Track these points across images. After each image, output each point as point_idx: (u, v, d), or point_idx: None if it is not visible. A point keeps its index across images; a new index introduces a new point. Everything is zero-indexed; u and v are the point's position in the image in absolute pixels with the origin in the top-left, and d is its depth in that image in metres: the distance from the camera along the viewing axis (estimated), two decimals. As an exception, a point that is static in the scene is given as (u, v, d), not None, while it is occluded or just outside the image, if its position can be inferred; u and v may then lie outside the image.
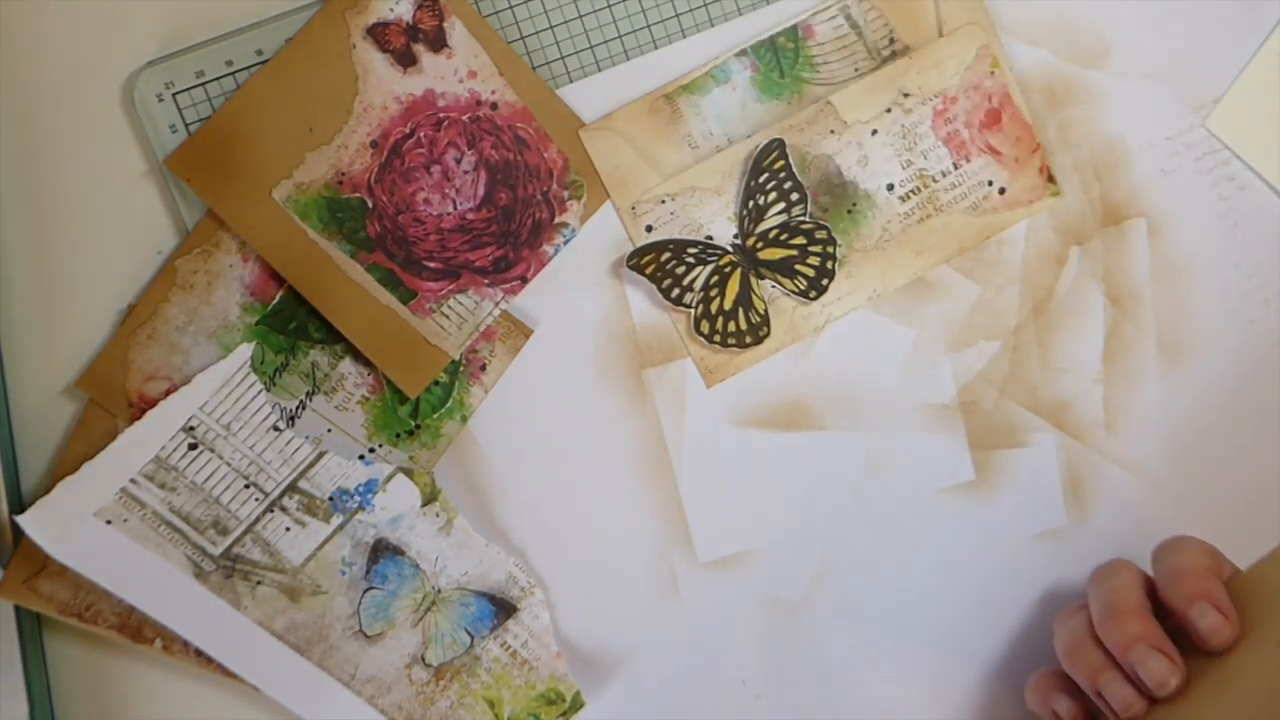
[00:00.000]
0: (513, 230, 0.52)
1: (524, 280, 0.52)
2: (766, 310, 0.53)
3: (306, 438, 0.51)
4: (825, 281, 0.53)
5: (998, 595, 0.55)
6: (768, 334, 0.53)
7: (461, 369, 0.52)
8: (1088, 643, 0.48)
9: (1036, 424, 0.55)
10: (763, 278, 0.53)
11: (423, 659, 0.52)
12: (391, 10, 0.50)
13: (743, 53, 0.53)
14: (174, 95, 0.50)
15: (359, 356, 0.51)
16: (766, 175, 0.52)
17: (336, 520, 0.51)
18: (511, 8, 0.52)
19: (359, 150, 0.50)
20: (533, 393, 0.53)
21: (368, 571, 0.51)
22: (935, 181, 0.53)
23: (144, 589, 0.49)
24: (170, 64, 0.50)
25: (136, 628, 0.50)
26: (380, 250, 0.51)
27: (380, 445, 0.52)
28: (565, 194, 0.52)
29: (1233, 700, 0.44)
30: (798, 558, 0.54)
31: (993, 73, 0.53)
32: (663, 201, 0.52)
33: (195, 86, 0.50)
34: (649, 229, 0.53)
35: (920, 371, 0.54)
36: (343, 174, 0.50)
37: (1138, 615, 0.47)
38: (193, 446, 0.50)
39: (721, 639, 0.54)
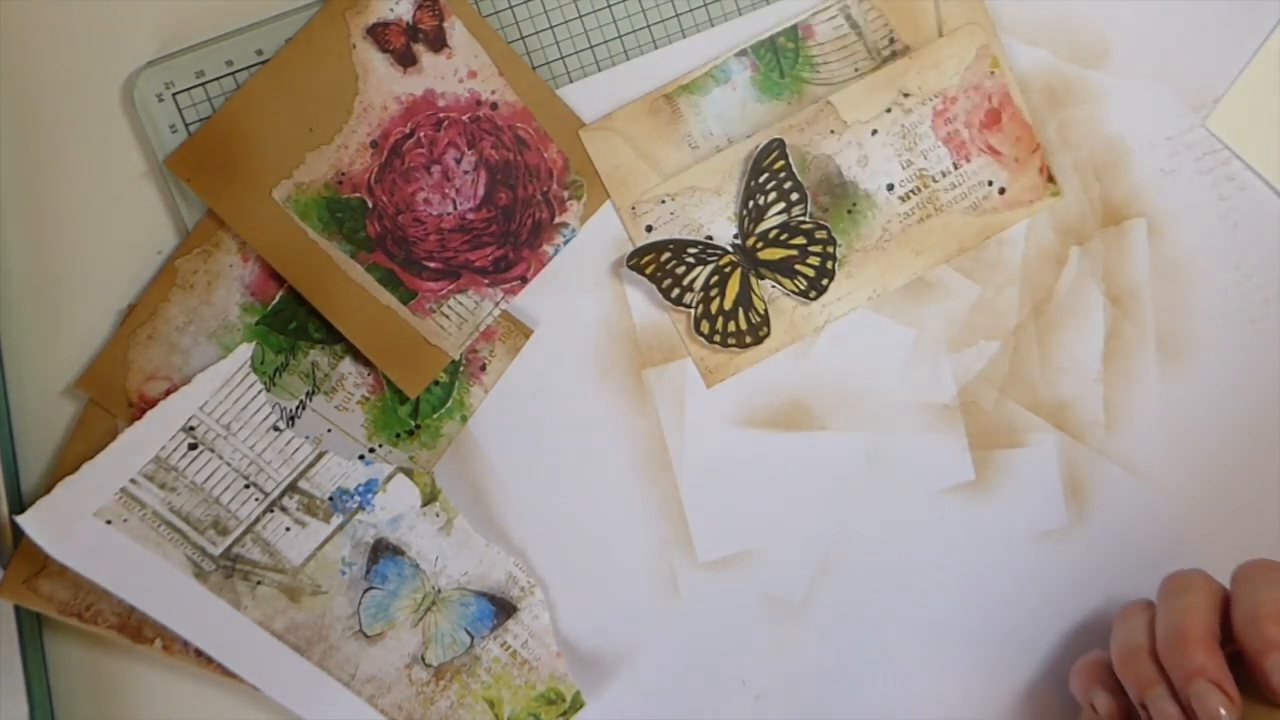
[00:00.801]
0: (513, 230, 0.52)
1: (524, 280, 0.52)
2: (766, 310, 0.53)
3: (306, 438, 0.51)
4: (825, 281, 0.53)
5: (997, 595, 0.55)
6: (768, 334, 0.53)
7: (461, 369, 0.52)
8: (1144, 654, 0.47)
9: (1036, 424, 0.55)
10: (763, 278, 0.53)
11: (423, 659, 0.52)
12: (391, 10, 0.50)
13: (743, 53, 0.53)
14: (174, 95, 0.50)
15: (359, 356, 0.51)
16: (766, 175, 0.52)
17: (336, 520, 0.51)
18: (511, 8, 0.52)
19: (359, 150, 0.51)
20: (533, 393, 0.53)
21: (368, 571, 0.51)
22: (935, 181, 0.53)
23: (144, 589, 0.49)
24: (170, 64, 0.50)
25: (136, 628, 0.50)
26: (380, 250, 0.51)
27: (380, 445, 0.52)
28: (565, 194, 0.52)
29: None
30: (798, 558, 0.54)
31: (993, 73, 0.53)
32: (663, 201, 0.52)
33: (195, 86, 0.50)
34: (649, 229, 0.53)
35: (920, 371, 0.54)
36: (343, 174, 0.50)
37: (1204, 646, 0.46)
38: (193, 446, 0.50)
39: (721, 639, 0.54)
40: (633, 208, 0.52)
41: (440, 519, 0.52)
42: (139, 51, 0.51)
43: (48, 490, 0.49)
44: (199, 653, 0.50)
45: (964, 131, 0.53)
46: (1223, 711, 0.44)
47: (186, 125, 0.50)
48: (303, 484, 0.51)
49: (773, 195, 0.52)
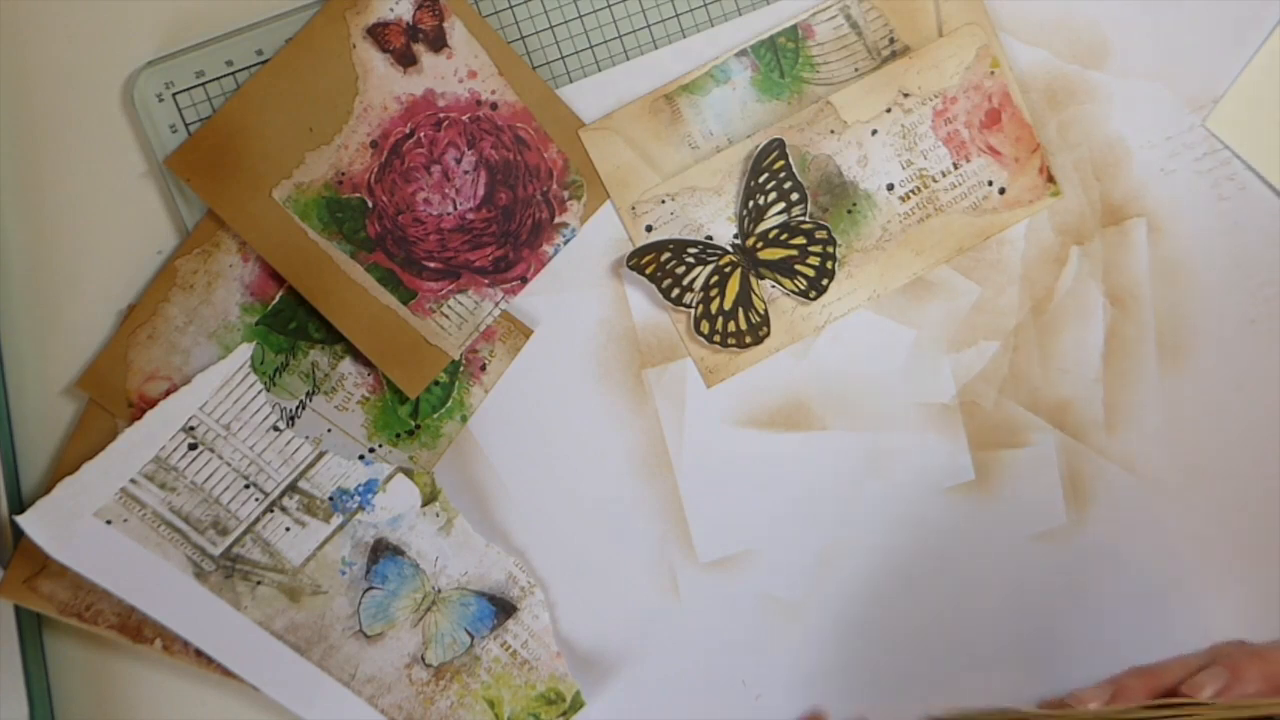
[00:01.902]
0: (513, 230, 0.52)
1: (524, 280, 0.52)
2: (766, 310, 0.53)
3: (306, 438, 0.51)
4: (825, 281, 0.53)
5: (997, 595, 0.55)
6: (768, 334, 0.53)
7: (461, 369, 0.52)
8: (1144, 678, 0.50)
9: (1036, 424, 0.55)
10: (763, 278, 0.53)
11: (423, 659, 0.52)
12: (391, 10, 0.50)
13: (743, 53, 0.53)
14: (174, 95, 0.50)
15: (359, 356, 0.51)
16: (766, 175, 0.52)
17: (336, 520, 0.51)
18: (511, 8, 0.52)
19: (359, 150, 0.51)
20: (533, 393, 0.53)
21: (368, 571, 0.51)
22: (935, 181, 0.53)
23: (144, 589, 0.49)
24: (170, 64, 0.50)
25: (136, 628, 0.50)
26: (380, 250, 0.51)
27: (380, 445, 0.52)
28: (565, 194, 0.52)
29: None
30: (798, 558, 0.54)
31: (993, 73, 0.53)
32: (663, 201, 0.52)
33: (195, 86, 0.50)
34: (649, 229, 0.53)
35: (920, 371, 0.54)
36: (343, 174, 0.50)
37: (1144, 683, 0.49)
38: (193, 446, 0.50)
39: (721, 639, 0.54)
40: (633, 208, 0.52)
41: (440, 519, 0.52)
42: (139, 51, 0.51)
43: (48, 490, 0.49)
44: (199, 653, 0.50)
45: (964, 131, 0.53)
46: (1086, 699, 0.49)
47: (186, 125, 0.50)
48: (303, 484, 0.51)
49: (773, 195, 0.52)
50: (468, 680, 0.52)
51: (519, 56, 0.52)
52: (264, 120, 0.50)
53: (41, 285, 0.51)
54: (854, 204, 0.53)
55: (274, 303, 0.51)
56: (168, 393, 0.50)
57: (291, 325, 0.51)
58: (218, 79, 0.50)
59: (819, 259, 0.53)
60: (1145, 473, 0.55)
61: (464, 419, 0.52)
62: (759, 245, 0.52)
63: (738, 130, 0.53)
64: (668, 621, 0.54)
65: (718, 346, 0.53)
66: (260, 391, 0.51)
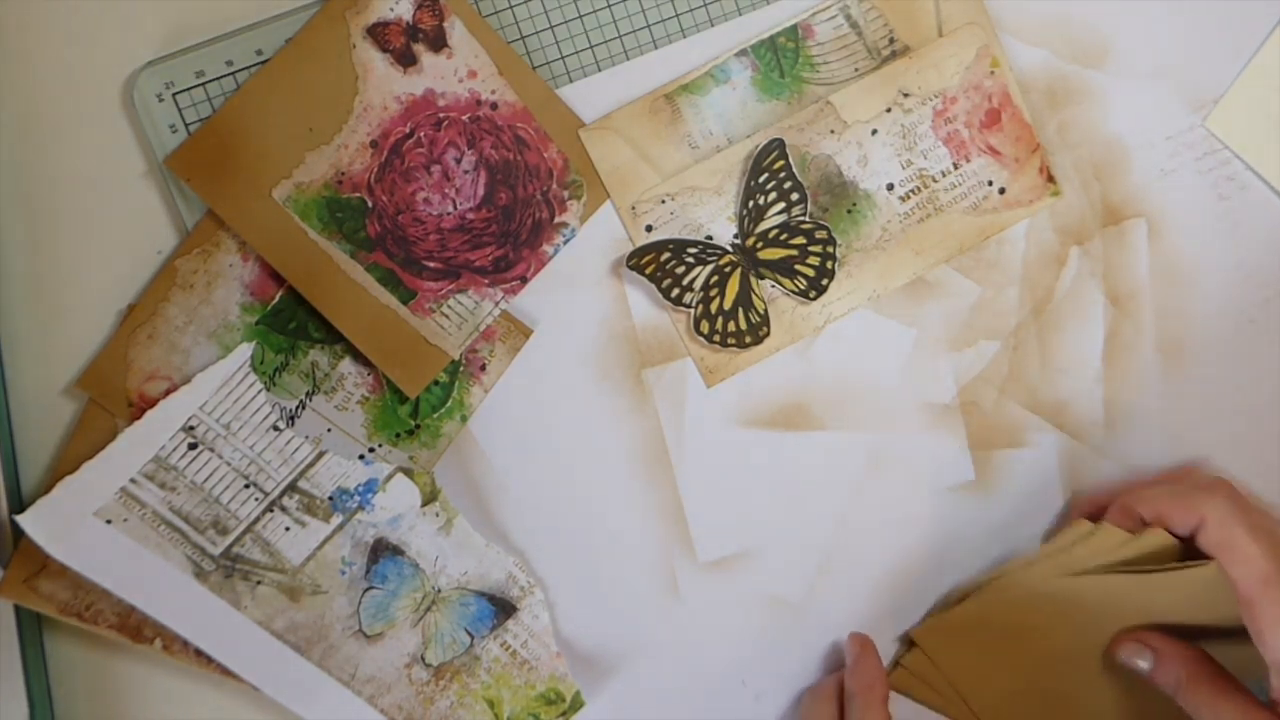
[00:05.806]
0: (513, 230, 0.52)
1: (524, 280, 0.52)
2: (766, 310, 0.53)
3: (306, 437, 0.51)
4: (825, 281, 0.53)
5: (998, 595, 0.55)
6: (768, 334, 0.53)
7: (461, 369, 0.52)
8: None
9: (1036, 424, 0.55)
10: (763, 278, 0.53)
11: (423, 659, 0.52)
12: (391, 10, 0.50)
13: (743, 53, 0.53)
14: (174, 95, 0.50)
15: (359, 356, 0.51)
16: (766, 175, 0.52)
17: (336, 520, 0.51)
18: (511, 8, 0.52)
19: (359, 150, 0.51)
20: (533, 393, 0.53)
21: (368, 571, 0.51)
22: (935, 181, 0.53)
23: (144, 589, 0.49)
24: (170, 64, 0.50)
25: (136, 628, 0.50)
26: (380, 250, 0.51)
27: (380, 445, 0.52)
28: (565, 194, 0.52)
29: None
30: (798, 558, 0.54)
31: (993, 73, 0.53)
32: (663, 201, 0.52)
33: (195, 86, 0.50)
34: (649, 229, 0.53)
35: (920, 371, 0.54)
36: (343, 174, 0.50)
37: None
38: (193, 446, 0.50)
39: (721, 639, 0.54)
40: (633, 208, 0.52)
41: (440, 519, 0.52)
42: (139, 51, 0.51)
43: (48, 490, 0.49)
44: (199, 653, 0.50)
45: (964, 131, 0.53)
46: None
47: (186, 125, 0.50)
48: (303, 484, 0.51)
49: (773, 195, 0.52)
50: (468, 680, 0.52)
51: (519, 56, 0.52)
52: (264, 120, 0.50)
53: (41, 285, 0.51)
54: (854, 204, 0.53)
55: (274, 303, 0.51)
56: (168, 392, 0.50)
57: (291, 325, 0.51)
58: (218, 79, 0.50)
59: (819, 259, 0.53)
60: (1145, 473, 0.55)
61: (464, 419, 0.52)
62: (759, 245, 0.52)
63: (738, 130, 0.53)
64: (668, 621, 0.54)
65: (718, 346, 0.53)
66: (260, 391, 0.51)
